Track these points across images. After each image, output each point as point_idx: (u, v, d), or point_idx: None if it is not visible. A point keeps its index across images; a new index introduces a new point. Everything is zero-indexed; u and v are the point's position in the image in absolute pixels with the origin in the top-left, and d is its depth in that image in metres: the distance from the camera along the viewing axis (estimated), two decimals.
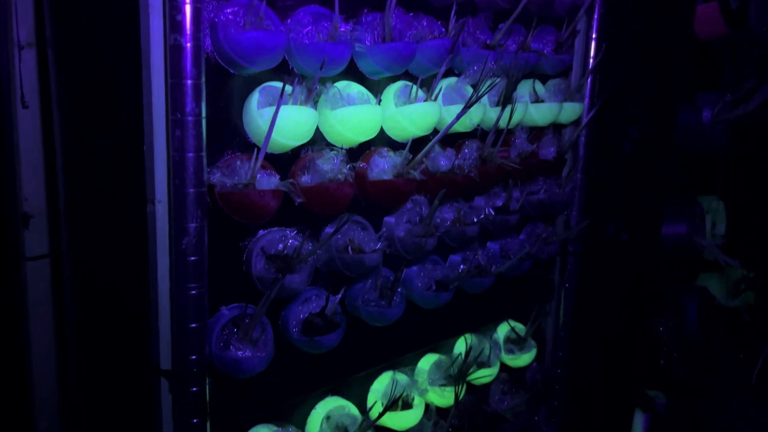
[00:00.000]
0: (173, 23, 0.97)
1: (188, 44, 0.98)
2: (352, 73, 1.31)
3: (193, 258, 1.05)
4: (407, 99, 1.36)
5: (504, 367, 1.86)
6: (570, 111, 1.75)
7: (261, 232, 1.22)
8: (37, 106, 1.66)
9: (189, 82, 0.99)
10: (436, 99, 1.37)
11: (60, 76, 1.53)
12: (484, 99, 1.42)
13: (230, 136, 1.17)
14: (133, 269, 1.12)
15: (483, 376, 1.68)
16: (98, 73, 1.24)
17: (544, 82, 1.75)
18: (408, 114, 1.32)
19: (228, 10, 1.07)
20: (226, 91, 1.15)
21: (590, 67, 1.80)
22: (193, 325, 1.07)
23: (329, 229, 1.31)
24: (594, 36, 1.81)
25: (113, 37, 1.13)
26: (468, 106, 1.30)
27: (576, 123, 1.85)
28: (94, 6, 1.24)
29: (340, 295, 1.29)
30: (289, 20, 1.16)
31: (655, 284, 2.24)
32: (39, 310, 1.45)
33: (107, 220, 1.22)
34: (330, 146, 1.28)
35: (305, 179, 1.21)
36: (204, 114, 1.02)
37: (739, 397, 2.26)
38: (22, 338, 1.44)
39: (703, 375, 2.26)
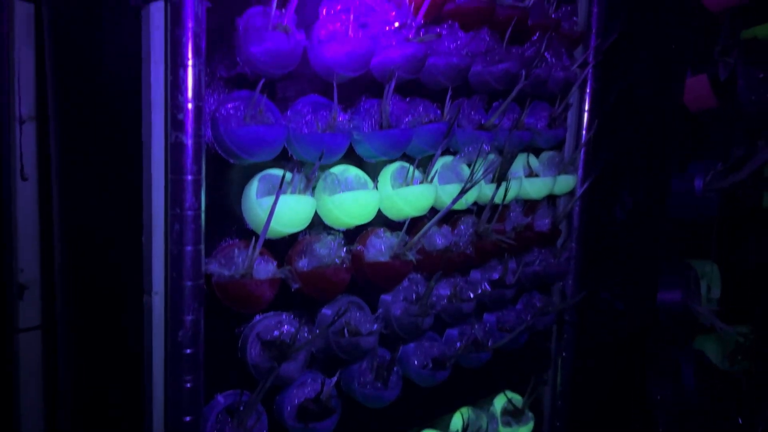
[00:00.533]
0: (175, 121, 0.99)
1: (189, 141, 1.00)
2: (350, 156, 1.33)
3: (188, 351, 1.05)
4: (404, 180, 1.38)
5: None
6: (564, 183, 1.77)
7: (257, 317, 1.22)
8: (35, 179, 1.68)
9: (189, 177, 1.01)
10: (432, 181, 1.39)
11: (60, 151, 1.55)
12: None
13: (229, 223, 1.18)
14: (127, 358, 1.12)
15: None
16: (100, 157, 1.26)
17: (538, 154, 1.78)
18: (405, 196, 1.34)
19: (229, 105, 1.09)
20: (226, 180, 1.17)
21: (583, 140, 1.83)
22: (188, 419, 1.06)
23: (326, 311, 1.31)
24: (586, 109, 1.85)
25: (116, 127, 1.15)
26: (463, 192, 1.32)
27: (570, 194, 1.87)
28: (98, 90, 1.26)
29: (335, 379, 1.28)
30: (289, 111, 1.18)
31: (652, 350, 2.23)
32: (30, 382, 1.44)
33: (103, 304, 1.22)
34: (327, 229, 1.29)
35: (302, 264, 1.22)
36: (203, 207, 1.03)
37: None
38: (13, 410, 1.42)
39: None
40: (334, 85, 1.18)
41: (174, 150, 1.00)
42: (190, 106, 0.99)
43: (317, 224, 1.28)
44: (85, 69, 1.25)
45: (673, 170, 2.11)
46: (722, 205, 2.13)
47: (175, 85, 0.99)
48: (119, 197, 1.19)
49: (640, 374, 2.17)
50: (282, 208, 1.11)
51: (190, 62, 0.98)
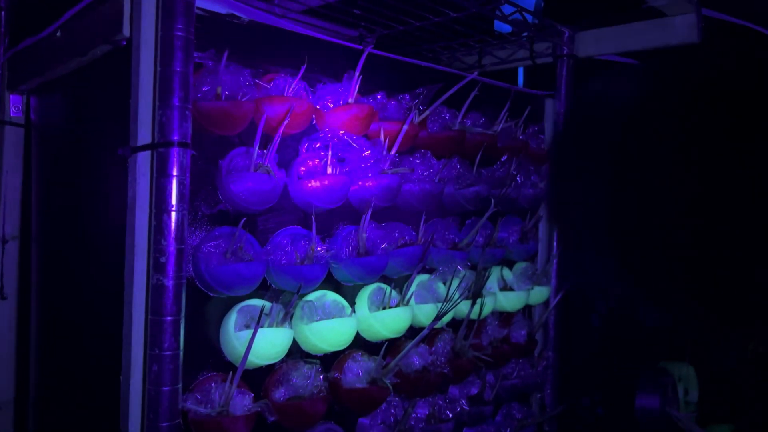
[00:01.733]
0: (157, 265, 1.03)
1: (170, 283, 1.03)
2: (328, 280, 1.37)
3: None
4: (381, 302, 1.41)
5: None
6: (538, 294, 1.82)
7: None
8: (15, 298, 1.68)
9: (168, 318, 1.03)
10: (408, 302, 1.42)
11: (40, 272, 1.56)
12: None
13: (207, 355, 1.19)
14: None
15: None
16: (82, 291, 1.28)
17: (511, 266, 1.83)
18: (381, 319, 1.37)
19: (210, 243, 1.13)
20: (205, 313, 1.19)
21: (554, 252, 1.90)
22: None
23: None
24: None
25: (98, 266, 1.18)
26: (439, 317, 1.35)
27: (545, 303, 1.91)
28: (82, 227, 1.30)
29: None
30: (269, 244, 1.22)
31: None
32: None
33: None
34: (304, 355, 1.30)
35: (279, 395, 1.22)
36: (182, 347, 1.05)
37: None
38: None
39: None
40: (313, 218, 1.23)
41: (155, 292, 1.03)
42: (172, 249, 1.03)
43: (295, 351, 1.29)
44: (69, 203, 1.29)
45: None
46: None
47: (159, 230, 1.02)
48: (98, 332, 1.20)
49: None
50: (260, 342, 1.13)
51: (173, 208, 1.02)
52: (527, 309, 1.96)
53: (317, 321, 1.26)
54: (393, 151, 1.36)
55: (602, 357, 2.08)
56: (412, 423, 1.43)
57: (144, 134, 1.04)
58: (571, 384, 1.99)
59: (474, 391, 1.67)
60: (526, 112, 1.73)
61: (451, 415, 1.51)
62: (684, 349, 2.32)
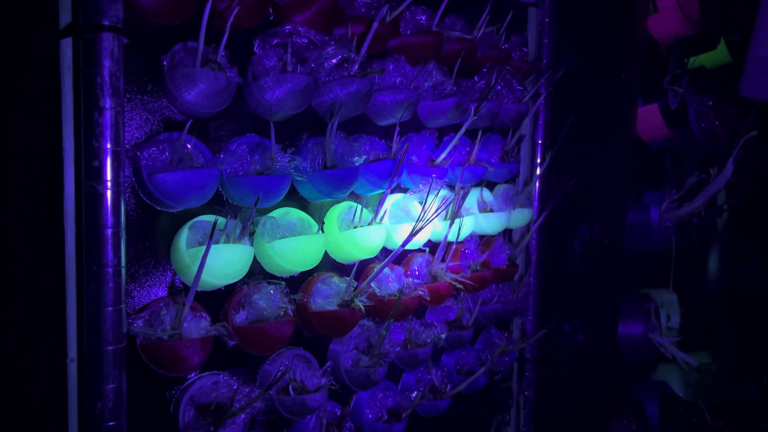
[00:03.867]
0: (89, 169, 0.90)
1: (106, 191, 0.90)
2: (293, 198, 1.25)
3: (110, 423, 0.93)
4: (352, 221, 1.30)
5: None
6: (519, 217, 1.73)
7: (191, 377, 1.11)
8: None
9: (107, 231, 0.91)
10: (381, 221, 1.32)
11: None
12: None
13: (157, 277, 1.08)
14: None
15: None
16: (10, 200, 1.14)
17: (492, 188, 1.73)
18: (352, 238, 1.26)
19: (153, 148, 1.00)
20: (152, 229, 1.07)
21: (537, 172, 1.79)
22: None
23: (269, 368, 1.21)
24: (540, 142, 1.82)
25: (26, 170, 1.04)
26: (414, 233, 1.25)
27: (526, 227, 1.83)
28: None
29: None
30: (222, 152, 1.09)
31: (614, 383, 2.18)
32: None
33: (11, 372, 1.09)
34: (268, 277, 1.20)
35: (240, 318, 1.12)
36: (124, 263, 0.93)
37: None
38: None
39: None
40: (271, 125, 1.10)
41: (89, 201, 0.91)
42: (106, 151, 0.90)
43: (257, 272, 1.19)
44: None
45: (629, 201, 2.09)
46: (678, 234, 2.12)
47: (89, 129, 0.89)
48: (28, 248, 1.07)
49: (604, 409, 2.11)
50: (215, 259, 1.02)
51: (107, 105, 0.89)
52: (508, 233, 1.88)
53: (280, 239, 1.14)
54: (362, 52, 1.22)
55: (585, 283, 2.02)
56: (387, 347, 1.34)
57: (66, 16, 0.89)
58: (553, 311, 1.93)
59: (452, 316, 1.60)
60: (509, 18, 1.59)
61: (428, 340, 1.43)
62: (667, 276, 2.27)
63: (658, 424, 2.15)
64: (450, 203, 1.39)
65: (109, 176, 0.90)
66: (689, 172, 2.11)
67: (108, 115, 0.89)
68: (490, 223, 1.63)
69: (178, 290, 1.09)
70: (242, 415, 1.09)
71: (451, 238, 1.44)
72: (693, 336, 2.31)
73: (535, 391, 1.91)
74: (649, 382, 2.38)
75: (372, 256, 1.33)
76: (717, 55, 2.30)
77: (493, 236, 1.72)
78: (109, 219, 0.91)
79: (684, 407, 2.25)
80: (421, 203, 1.39)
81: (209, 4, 0.98)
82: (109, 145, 0.90)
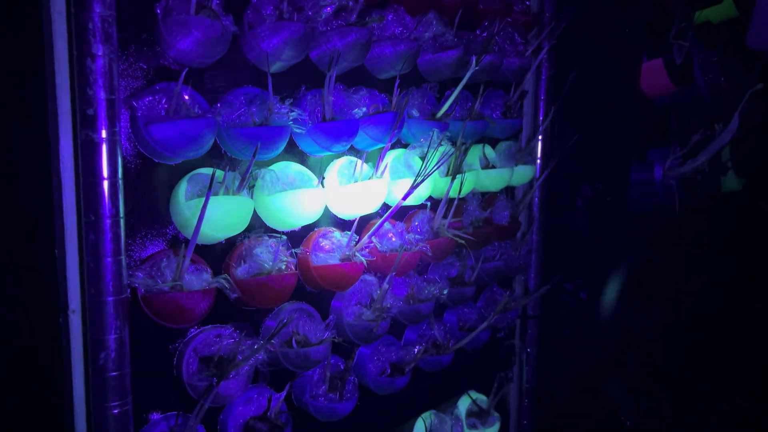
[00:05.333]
0: (84, 117, 0.88)
1: (102, 139, 0.89)
2: (293, 152, 1.24)
3: (113, 374, 0.94)
4: (352, 176, 1.29)
5: None
6: (522, 174, 1.71)
7: (193, 331, 1.11)
8: None
9: (104, 180, 0.90)
10: (382, 175, 1.30)
11: None
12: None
13: (157, 230, 1.07)
14: (45, 387, 1.00)
15: None
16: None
17: (494, 145, 1.71)
18: (353, 193, 1.25)
19: (148, 98, 0.98)
20: (151, 182, 1.06)
21: (540, 128, 1.77)
22: None
23: (271, 322, 1.21)
24: (542, 98, 1.79)
25: (19, 121, 1.02)
26: (415, 186, 1.24)
27: (529, 184, 1.81)
28: None
29: (284, 393, 1.18)
30: (219, 103, 1.07)
31: (616, 340, 2.19)
32: None
33: (13, 325, 1.09)
34: (269, 231, 1.19)
35: (242, 271, 1.12)
36: (122, 213, 0.92)
37: None
38: None
39: None
40: (269, 75, 1.08)
41: (85, 150, 0.89)
42: (100, 99, 0.88)
43: (258, 227, 1.18)
44: None
45: (633, 158, 2.07)
46: (682, 192, 2.10)
47: (83, 76, 0.88)
48: (26, 201, 1.06)
49: (605, 366, 2.13)
50: (214, 211, 1.01)
51: (98, 50, 0.87)
52: (510, 191, 1.86)
53: (280, 192, 1.13)
54: (360, 0, 1.19)
55: (587, 241, 2.01)
56: (390, 302, 1.34)
57: None
58: (555, 268, 1.93)
59: (454, 273, 1.59)
60: None
61: (430, 295, 1.43)
62: (670, 236, 2.26)
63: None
64: (451, 155, 1.37)
65: (104, 125, 0.89)
66: (694, 130, 2.08)
67: (101, 63, 0.88)
68: (492, 180, 1.61)
69: (178, 243, 1.08)
70: (245, 367, 1.10)
71: (453, 194, 1.43)
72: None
73: (537, 348, 1.92)
74: None
75: (373, 212, 1.32)
76: (723, 9, 2.25)
77: (495, 193, 1.71)
78: (106, 168, 0.90)
79: None
80: (422, 158, 1.37)
81: None
82: (103, 94, 0.88)
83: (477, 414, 1.75)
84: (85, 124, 0.88)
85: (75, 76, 0.88)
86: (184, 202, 1.03)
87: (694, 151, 2.05)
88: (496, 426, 1.77)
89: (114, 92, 0.89)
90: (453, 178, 1.41)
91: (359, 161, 1.29)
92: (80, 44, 0.87)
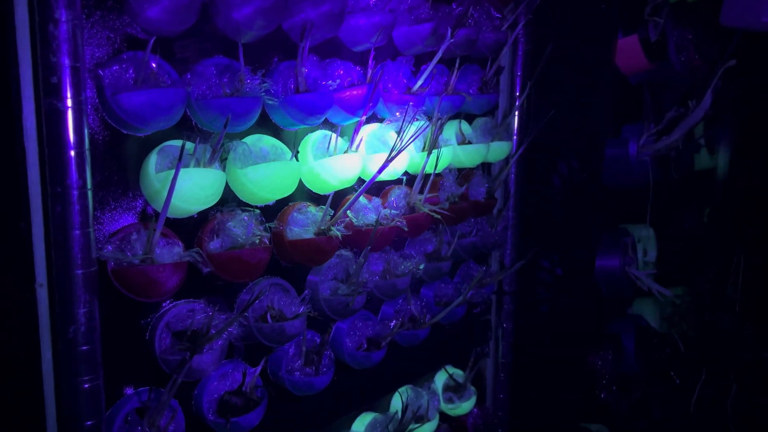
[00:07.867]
0: (48, 85, 0.86)
1: (67, 108, 0.86)
2: (266, 125, 1.22)
3: (83, 348, 0.93)
4: (326, 150, 1.28)
5: (445, 417, 1.78)
6: (498, 150, 1.71)
7: (165, 305, 1.10)
8: None
9: (70, 150, 0.88)
10: (357, 149, 1.29)
11: None
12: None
13: (127, 203, 1.05)
14: (14, 361, 0.98)
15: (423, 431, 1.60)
16: None
17: (470, 121, 1.70)
18: (327, 167, 1.24)
19: (115, 67, 0.96)
20: (120, 153, 1.03)
21: (516, 104, 1.77)
22: (88, 423, 0.94)
23: (245, 296, 1.21)
24: (519, 73, 1.79)
25: None
26: (390, 159, 1.23)
27: (505, 161, 1.82)
28: None
29: (260, 367, 1.18)
30: (189, 74, 1.05)
31: (591, 316, 2.22)
32: None
33: None
34: (242, 205, 1.18)
35: (214, 245, 1.10)
36: (90, 185, 0.91)
37: (680, 424, 2.27)
38: None
39: (642, 406, 2.26)
40: (240, 45, 1.06)
41: (49, 120, 0.87)
42: (65, 66, 0.86)
43: (231, 201, 1.17)
44: None
45: (608, 134, 2.09)
46: (656, 169, 2.13)
47: (46, 43, 0.85)
48: None
49: (582, 341, 2.16)
50: (184, 183, 0.99)
51: (61, 16, 0.84)
52: (487, 167, 1.87)
53: (253, 165, 1.12)
54: None
55: (563, 217, 2.03)
56: (366, 277, 1.34)
57: None
58: (531, 245, 1.94)
59: (430, 248, 1.60)
60: None
61: (406, 270, 1.43)
62: (644, 211, 2.29)
63: (634, 355, 2.20)
64: (426, 129, 1.37)
65: (69, 93, 0.86)
66: (668, 107, 2.11)
67: (64, 29, 0.85)
68: (469, 156, 1.61)
69: (149, 217, 1.07)
70: (219, 341, 1.09)
71: (429, 169, 1.43)
72: (669, 272, 2.36)
73: (513, 324, 1.94)
74: (626, 316, 2.43)
75: (348, 186, 1.31)
76: None
77: (471, 169, 1.71)
78: (72, 137, 0.88)
79: (658, 338, 2.31)
80: (397, 132, 1.37)
81: None
82: (67, 61, 0.86)
83: (453, 388, 1.77)
84: (48, 92, 0.86)
85: (37, 43, 0.85)
86: (154, 175, 1.01)
87: (668, 128, 2.08)
88: (473, 400, 1.79)
89: (78, 60, 0.87)
90: (429, 154, 1.41)
91: (334, 135, 1.27)
92: (42, 9, 0.84)
